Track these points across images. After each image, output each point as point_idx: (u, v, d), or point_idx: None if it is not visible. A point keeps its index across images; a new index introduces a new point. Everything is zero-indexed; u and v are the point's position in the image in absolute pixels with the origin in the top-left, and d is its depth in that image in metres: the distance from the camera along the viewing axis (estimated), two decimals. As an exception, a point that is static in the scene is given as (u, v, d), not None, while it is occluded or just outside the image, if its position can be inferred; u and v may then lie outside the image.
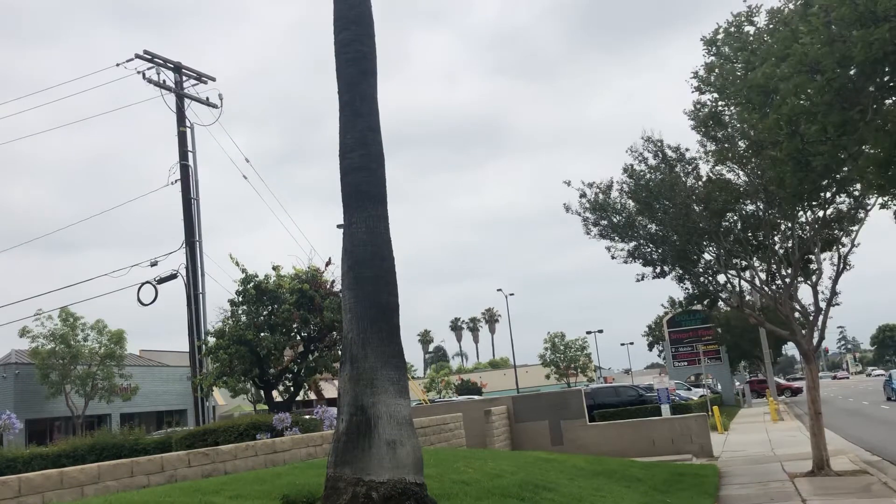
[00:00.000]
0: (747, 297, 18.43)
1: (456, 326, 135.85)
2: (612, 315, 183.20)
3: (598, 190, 17.00)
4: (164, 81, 23.78)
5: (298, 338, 20.58)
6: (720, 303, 19.06)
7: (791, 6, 11.12)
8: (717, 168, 15.80)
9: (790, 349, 74.95)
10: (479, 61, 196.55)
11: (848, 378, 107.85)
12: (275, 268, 20.71)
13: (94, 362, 37.85)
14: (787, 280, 15.74)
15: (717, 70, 13.20)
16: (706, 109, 14.59)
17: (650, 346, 78.11)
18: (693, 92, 14.29)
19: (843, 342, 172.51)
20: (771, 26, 11.80)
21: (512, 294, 73.57)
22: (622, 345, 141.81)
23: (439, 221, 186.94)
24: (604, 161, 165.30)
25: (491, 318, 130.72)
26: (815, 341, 15.30)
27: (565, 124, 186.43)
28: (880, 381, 54.10)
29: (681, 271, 17.09)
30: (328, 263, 20.81)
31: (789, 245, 15.74)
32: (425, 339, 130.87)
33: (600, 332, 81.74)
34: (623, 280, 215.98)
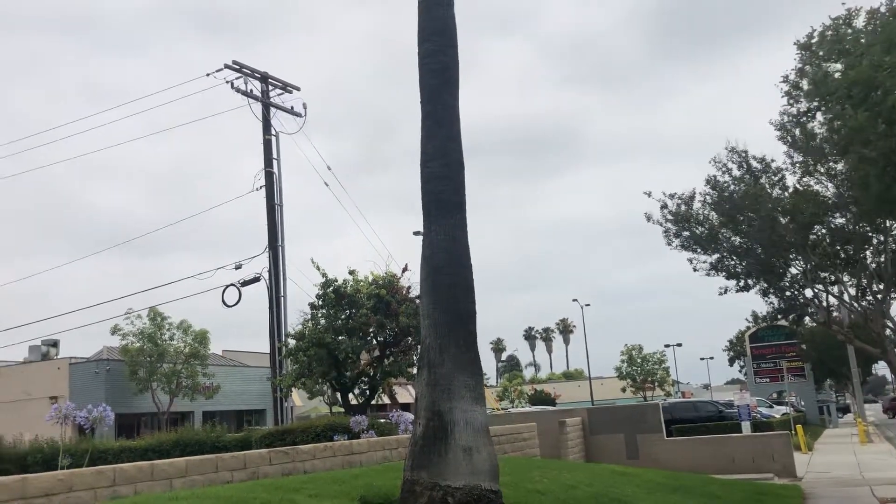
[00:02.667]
0: (835, 313, 17.77)
1: (529, 336, 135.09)
2: (692, 329, 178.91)
3: (679, 201, 16.76)
4: (251, 91, 24.57)
5: (375, 342, 20.89)
6: (806, 318, 18.46)
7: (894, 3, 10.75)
8: (804, 179, 15.38)
9: (881, 368, 71.68)
10: (552, 69, 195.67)
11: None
12: (351, 272, 21.07)
13: (178, 361, 39.20)
14: (880, 296, 15.14)
15: (809, 74, 12.86)
16: (795, 118, 14.22)
17: (731, 362, 76.02)
18: (783, 97, 13.95)
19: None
20: (870, 27, 11.43)
21: (588, 305, 72.51)
22: (701, 359, 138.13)
23: (512, 229, 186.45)
24: (680, 171, 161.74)
25: (565, 329, 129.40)
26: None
27: (640, 133, 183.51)
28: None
29: (765, 285, 16.67)
30: (405, 269, 21.07)
31: (882, 259, 15.16)
32: (498, 347, 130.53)
33: (679, 345, 79.98)
34: (704, 293, 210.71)
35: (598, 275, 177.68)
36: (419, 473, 7.34)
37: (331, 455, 10.79)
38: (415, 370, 20.86)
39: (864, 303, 15.43)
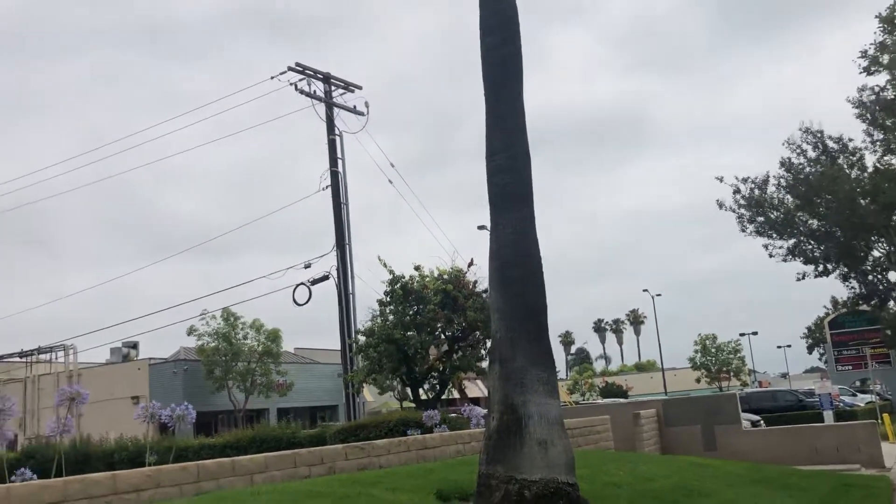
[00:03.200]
0: (922, 297, 17.03)
1: (599, 328, 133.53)
2: (768, 317, 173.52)
3: (753, 185, 16.34)
4: (314, 91, 24.93)
5: (443, 337, 21.00)
6: (890, 302, 17.73)
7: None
8: (885, 158, 14.75)
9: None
10: (615, 56, 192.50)
11: None
12: (417, 268, 21.21)
13: (253, 359, 40.12)
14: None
15: (890, 47, 12.31)
16: (874, 94, 13.64)
17: (810, 350, 73.77)
18: (861, 73, 13.40)
19: None
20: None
21: (659, 295, 71.14)
22: (778, 347, 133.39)
23: (579, 220, 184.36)
24: (752, 155, 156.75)
25: (636, 320, 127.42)
26: None
27: (708, 118, 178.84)
28: None
29: (846, 269, 16.10)
30: (470, 264, 21.11)
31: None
32: (567, 340, 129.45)
33: (755, 334, 77.72)
34: (780, 280, 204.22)
35: (669, 264, 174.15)
36: (495, 467, 7.32)
37: (405, 450, 10.87)
38: (484, 364, 21.00)
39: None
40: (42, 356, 38.14)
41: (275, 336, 41.06)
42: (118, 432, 21.94)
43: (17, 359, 39.32)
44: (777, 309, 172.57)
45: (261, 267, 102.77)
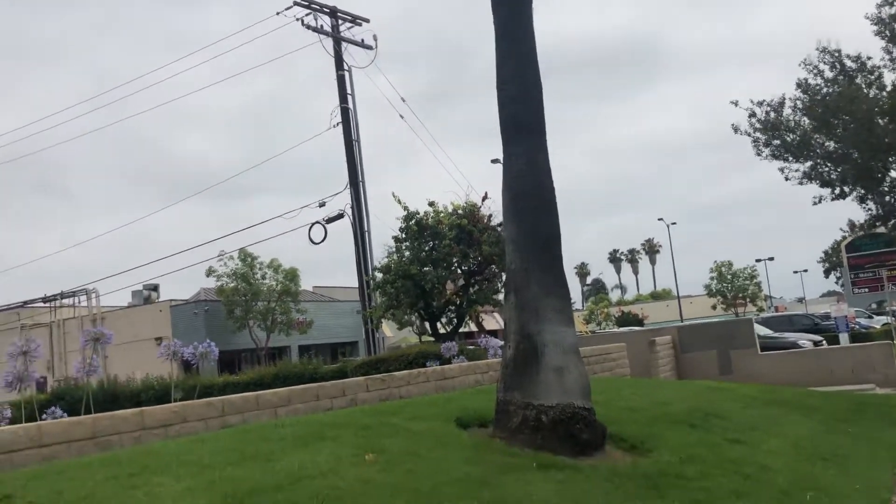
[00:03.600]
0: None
1: (614, 258, 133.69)
2: (784, 242, 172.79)
3: (769, 108, 16.02)
4: (321, 26, 24.54)
5: (459, 271, 21.10)
6: (908, 223, 17.59)
7: None
8: (905, 76, 14.42)
9: None
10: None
11: None
12: (431, 204, 21.18)
13: (272, 298, 40.62)
14: None
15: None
16: (894, 9, 13.25)
17: (826, 273, 73.69)
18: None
19: None
20: None
21: (674, 223, 70.91)
22: (795, 272, 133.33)
23: (593, 151, 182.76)
24: (769, 78, 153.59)
25: (651, 249, 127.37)
26: None
27: (724, 41, 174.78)
28: None
29: (863, 191, 15.90)
30: (484, 198, 21.03)
31: None
32: (582, 272, 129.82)
33: (771, 259, 77.66)
34: (796, 204, 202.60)
35: (684, 192, 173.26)
36: (512, 394, 7.46)
37: (424, 380, 11.08)
38: (500, 297, 21.15)
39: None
40: (65, 301, 38.81)
41: (293, 275, 41.45)
42: (144, 373, 22.47)
43: (41, 304, 40.03)
44: (793, 235, 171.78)
45: (275, 207, 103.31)
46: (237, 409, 8.02)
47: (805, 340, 25.01)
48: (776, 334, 25.53)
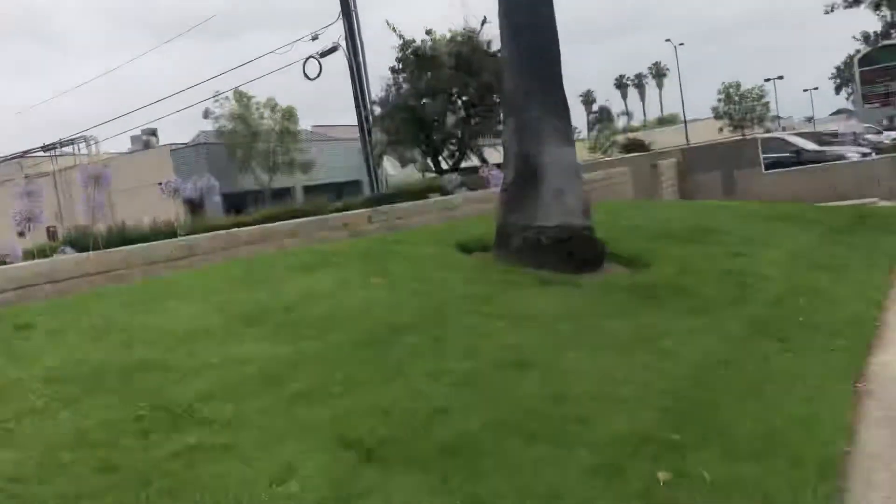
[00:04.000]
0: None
1: (621, 84, 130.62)
2: (795, 60, 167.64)
3: None
4: None
5: (459, 102, 20.71)
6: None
7: None
8: None
9: None
10: None
11: None
12: (428, 32, 20.44)
13: (271, 139, 40.21)
14: None
15: None
16: None
17: (837, 90, 72.17)
18: None
19: None
20: None
21: (681, 44, 68.67)
22: (804, 90, 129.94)
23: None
24: None
25: (658, 73, 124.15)
26: None
27: None
28: None
29: (878, -3, 15.15)
30: (484, 22, 20.23)
31: None
32: (588, 99, 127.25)
33: (780, 78, 75.59)
34: (807, 20, 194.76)
35: (692, 12, 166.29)
36: (511, 216, 7.52)
37: (428, 211, 11.17)
38: (501, 127, 20.88)
39: None
40: (65, 149, 38.60)
41: (290, 114, 40.78)
42: (151, 218, 22.67)
43: (41, 154, 39.86)
44: (805, 52, 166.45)
45: (266, 46, 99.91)
46: (244, 241, 8.16)
47: (853, 152, 24.53)
48: (822, 148, 25.16)
